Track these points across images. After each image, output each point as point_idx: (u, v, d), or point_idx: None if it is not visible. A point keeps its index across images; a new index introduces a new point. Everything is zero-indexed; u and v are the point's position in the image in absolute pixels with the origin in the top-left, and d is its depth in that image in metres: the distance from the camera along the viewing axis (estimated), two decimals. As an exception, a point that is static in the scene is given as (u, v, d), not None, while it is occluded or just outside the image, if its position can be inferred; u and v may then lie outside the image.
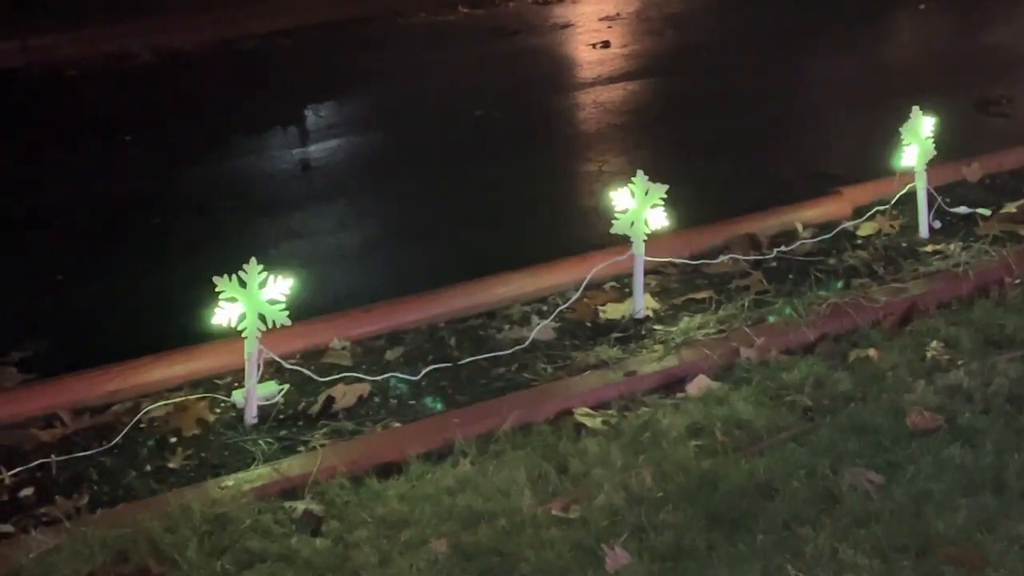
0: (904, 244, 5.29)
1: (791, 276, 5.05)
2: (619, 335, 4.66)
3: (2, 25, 9.29)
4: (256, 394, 4.21)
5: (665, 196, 4.66)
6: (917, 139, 5.24)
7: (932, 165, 5.31)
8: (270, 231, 5.98)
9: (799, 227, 5.43)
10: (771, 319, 4.66)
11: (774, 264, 5.15)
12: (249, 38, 9.49)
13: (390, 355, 4.58)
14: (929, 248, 5.23)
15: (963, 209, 5.55)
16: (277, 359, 4.33)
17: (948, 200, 5.54)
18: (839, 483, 3.65)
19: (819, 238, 5.33)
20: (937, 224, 5.42)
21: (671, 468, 3.77)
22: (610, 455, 3.85)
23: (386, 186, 6.63)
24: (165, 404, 4.25)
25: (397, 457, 3.90)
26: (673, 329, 4.65)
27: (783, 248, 5.23)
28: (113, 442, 4.08)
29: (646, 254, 4.75)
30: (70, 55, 8.98)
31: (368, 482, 3.77)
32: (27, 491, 3.87)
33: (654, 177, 4.68)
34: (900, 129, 5.26)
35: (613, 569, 3.36)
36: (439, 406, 4.25)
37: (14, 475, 3.93)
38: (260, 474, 3.84)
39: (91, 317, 5.17)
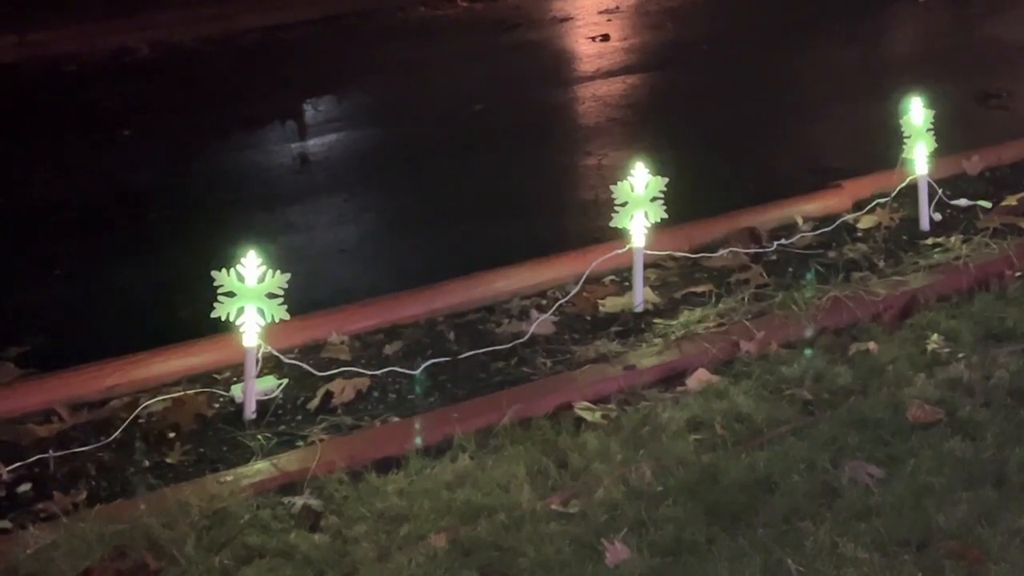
0: (904, 237, 5.28)
1: (791, 269, 5.03)
2: (619, 329, 4.65)
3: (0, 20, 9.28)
4: (254, 389, 4.19)
5: (664, 189, 4.65)
6: (917, 132, 5.23)
7: (932, 158, 5.31)
8: (269, 225, 5.97)
9: (799, 220, 5.42)
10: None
11: (774, 257, 5.14)
12: (248, 32, 9.49)
13: (389, 349, 4.57)
14: (929, 241, 5.22)
15: (963, 202, 5.54)
16: (276, 353, 4.32)
17: (948, 193, 5.53)
18: (839, 477, 3.64)
19: (819, 231, 5.32)
20: (937, 217, 5.41)
21: (671, 462, 3.76)
22: (610, 449, 3.84)
23: (385, 180, 6.62)
24: (163, 399, 4.24)
25: (396, 452, 3.90)
26: (673, 323, 4.64)
27: (783, 241, 5.22)
28: (111, 437, 4.06)
29: (646, 248, 4.74)
30: (68, 50, 8.98)
31: (367, 477, 3.76)
32: (25, 487, 3.85)
33: (653, 170, 4.67)
34: (900, 122, 5.26)
35: (613, 564, 3.35)
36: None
37: (12, 471, 3.91)
38: (258, 469, 3.83)
39: (89, 312, 5.17)
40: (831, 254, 5.14)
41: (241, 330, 4.14)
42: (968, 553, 3.31)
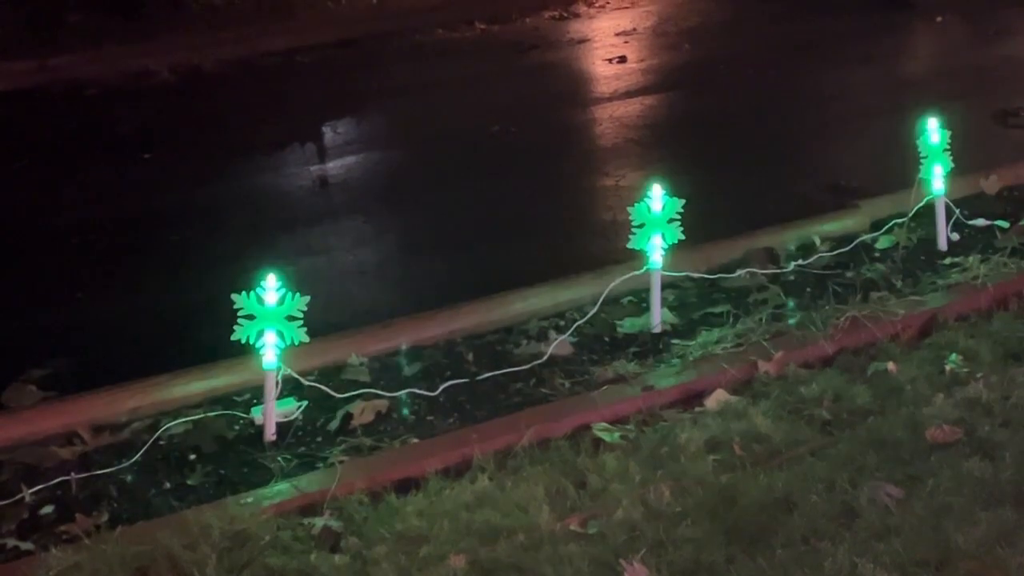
0: (922, 257, 5.28)
1: (809, 290, 5.04)
2: (637, 350, 4.66)
3: (21, 45, 9.35)
4: (275, 411, 4.22)
5: (682, 210, 4.66)
6: (935, 151, 5.23)
7: (950, 178, 5.30)
8: (288, 248, 6.00)
9: (817, 240, 5.42)
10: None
11: (792, 278, 5.14)
12: (267, 56, 9.54)
13: (408, 371, 4.59)
14: (947, 261, 5.22)
15: (981, 221, 5.54)
16: (295, 376, 4.33)
17: (966, 213, 5.53)
18: (858, 497, 3.64)
19: (837, 251, 5.32)
20: (955, 237, 5.40)
21: (689, 483, 3.77)
22: (628, 470, 3.85)
23: (403, 202, 6.64)
24: (184, 421, 4.26)
25: (415, 473, 3.91)
26: (691, 343, 4.65)
27: (801, 262, 5.23)
28: (133, 459, 4.09)
29: (664, 268, 4.75)
30: (89, 74, 9.03)
31: (387, 498, 3.77)
32: (47, 509, 3.89)
33: (671, 191, 4.68)
34: (918, 142, 5.26)
35: (631, 584, 3.36)
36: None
37: (34, 493, 3.94)
38: (279, 491, 3.85)
39: (110, 334, 5.19)
40: (849, 274, 5.14)
41: (261, 352, 4.16)
42: (987, 574, 3.31)
